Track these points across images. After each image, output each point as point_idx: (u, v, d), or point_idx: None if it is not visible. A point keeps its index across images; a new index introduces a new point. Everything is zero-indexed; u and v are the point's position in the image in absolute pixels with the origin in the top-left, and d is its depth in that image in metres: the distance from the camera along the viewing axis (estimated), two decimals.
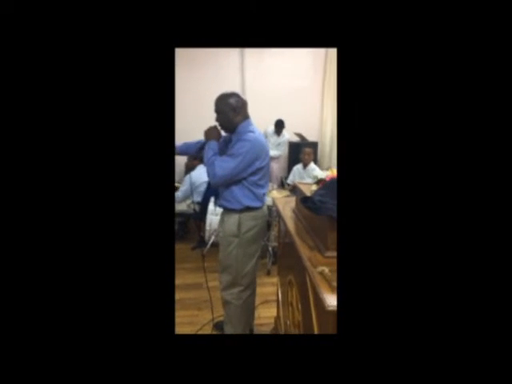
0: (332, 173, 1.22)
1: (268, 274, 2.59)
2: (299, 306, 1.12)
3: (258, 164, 1.42)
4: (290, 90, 4.59)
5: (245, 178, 1.42)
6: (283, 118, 4.11)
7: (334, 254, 0.88)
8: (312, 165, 3.24)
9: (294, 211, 1.38)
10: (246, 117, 1.47)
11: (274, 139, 4.19)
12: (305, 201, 1.04)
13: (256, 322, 1.95)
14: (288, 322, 1.35)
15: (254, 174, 1.44)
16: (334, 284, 0.74)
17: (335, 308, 0.67)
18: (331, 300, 0.69)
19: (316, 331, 0.85)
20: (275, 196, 2.40)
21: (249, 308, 1.70)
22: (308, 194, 1.13)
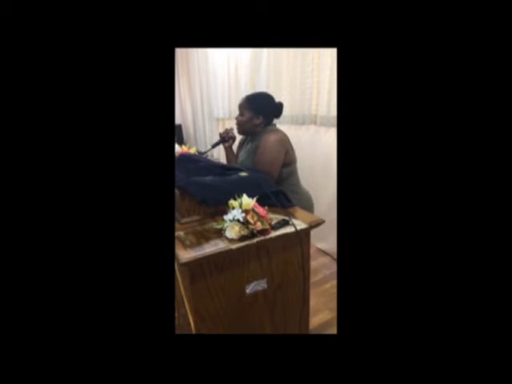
0: (182, 149, 1.27)
1: None
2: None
3: None
4: None
5: None
6: None
7: (188, 219, 1.00)
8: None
9: None
10: None
11: None
12: None
13: None
14: None
15: None
16: (187, 243, 0.85)
17: (187, 260, 0.77)
18: (183, 254, 0.79)
19: (182, 289, 0.94)
20: None
21: None
22: None
